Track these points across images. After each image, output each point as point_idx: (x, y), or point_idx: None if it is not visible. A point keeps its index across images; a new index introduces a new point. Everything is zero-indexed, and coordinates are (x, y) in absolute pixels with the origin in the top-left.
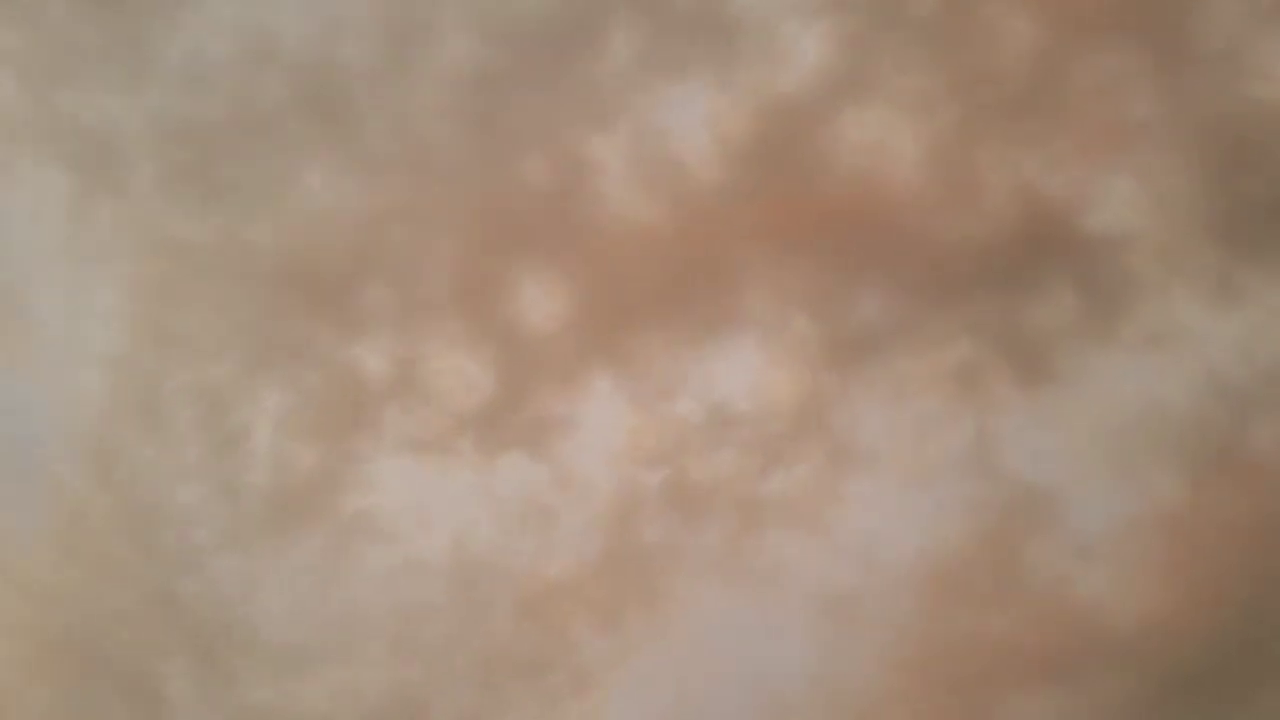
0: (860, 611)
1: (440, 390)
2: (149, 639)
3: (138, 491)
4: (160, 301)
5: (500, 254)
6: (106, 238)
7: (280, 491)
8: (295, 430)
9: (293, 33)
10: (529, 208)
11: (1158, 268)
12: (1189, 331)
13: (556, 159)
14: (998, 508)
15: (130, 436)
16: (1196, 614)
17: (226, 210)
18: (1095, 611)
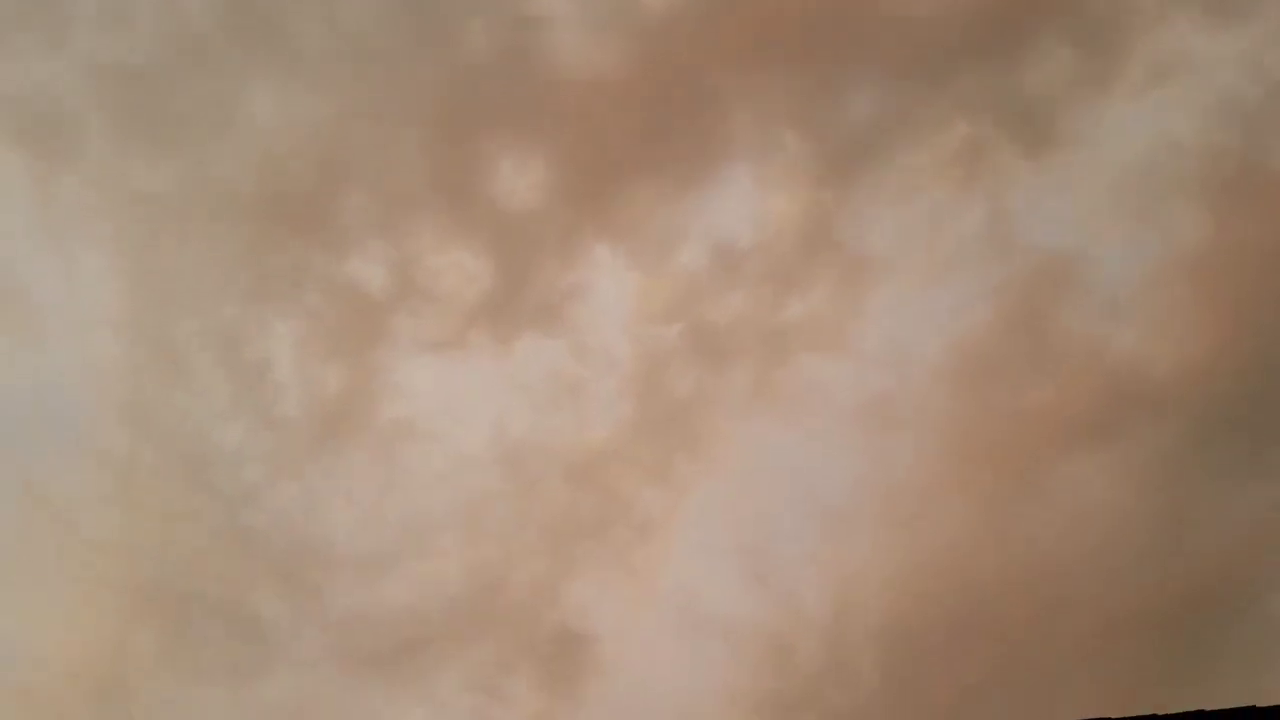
0: (897, 414)
1: (443, 288)
2: (233, 572)
3: (180, 440)
4: (147, 255)
5: (468, 135)
6: (76, 205)
7: (316, 415)
8: (313, 355)
9: None
10: (483, 79)
11: None
12: (1193, 58)
13: (497, 22)
14: (1021, 284)
15: (158, 390)
16: (1232, 349)
17: (183, 152)
18: (1131, 366)
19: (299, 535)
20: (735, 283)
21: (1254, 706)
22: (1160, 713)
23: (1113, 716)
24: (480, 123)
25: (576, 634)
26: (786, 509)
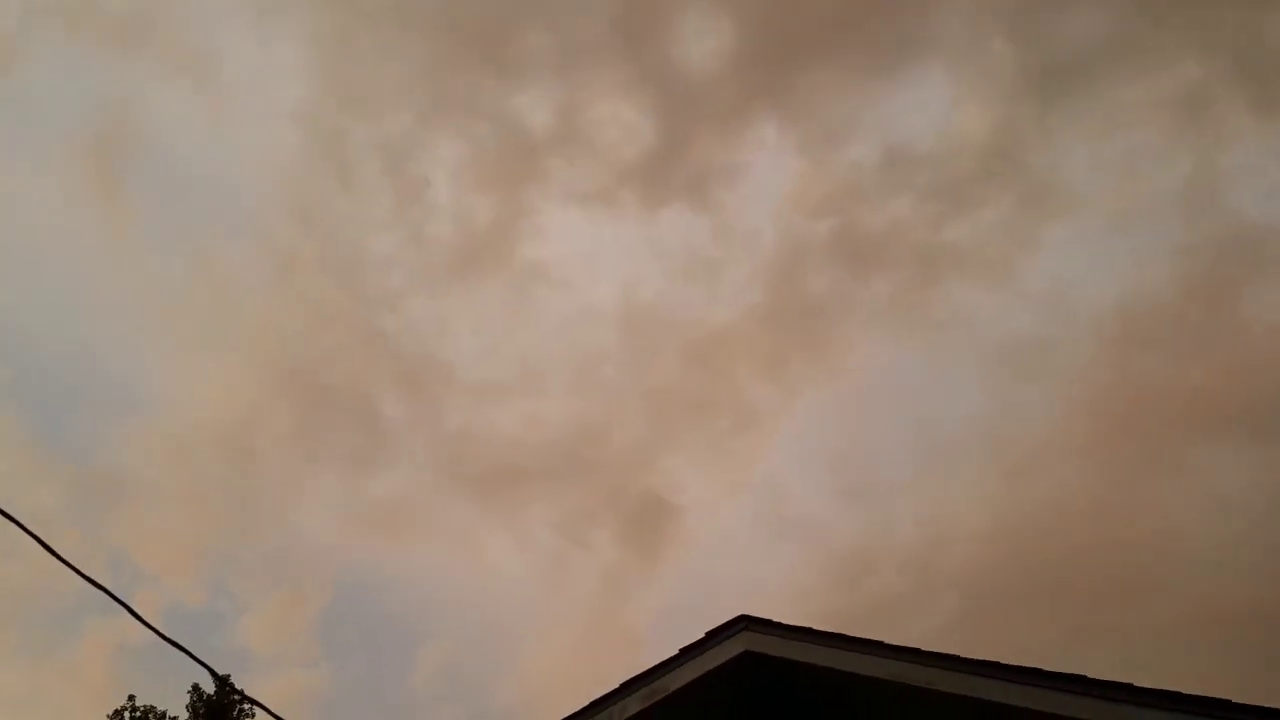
0: (1042, 361)
1: (603, 140)
2: (365, 370)
3: (337, 240)
4: (339, 55)
5: None
6: None
7: (462, 241)
8: (470, 182)
9: None
10: None
11: None
12: None
13: None
14: (1214, 251)
15: (324, 189)
16: None
17: None
18: None
19: (427, 349)
20: (901, 188)
21: None
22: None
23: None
24: None
25: (663, 502)
26: (895, 431)
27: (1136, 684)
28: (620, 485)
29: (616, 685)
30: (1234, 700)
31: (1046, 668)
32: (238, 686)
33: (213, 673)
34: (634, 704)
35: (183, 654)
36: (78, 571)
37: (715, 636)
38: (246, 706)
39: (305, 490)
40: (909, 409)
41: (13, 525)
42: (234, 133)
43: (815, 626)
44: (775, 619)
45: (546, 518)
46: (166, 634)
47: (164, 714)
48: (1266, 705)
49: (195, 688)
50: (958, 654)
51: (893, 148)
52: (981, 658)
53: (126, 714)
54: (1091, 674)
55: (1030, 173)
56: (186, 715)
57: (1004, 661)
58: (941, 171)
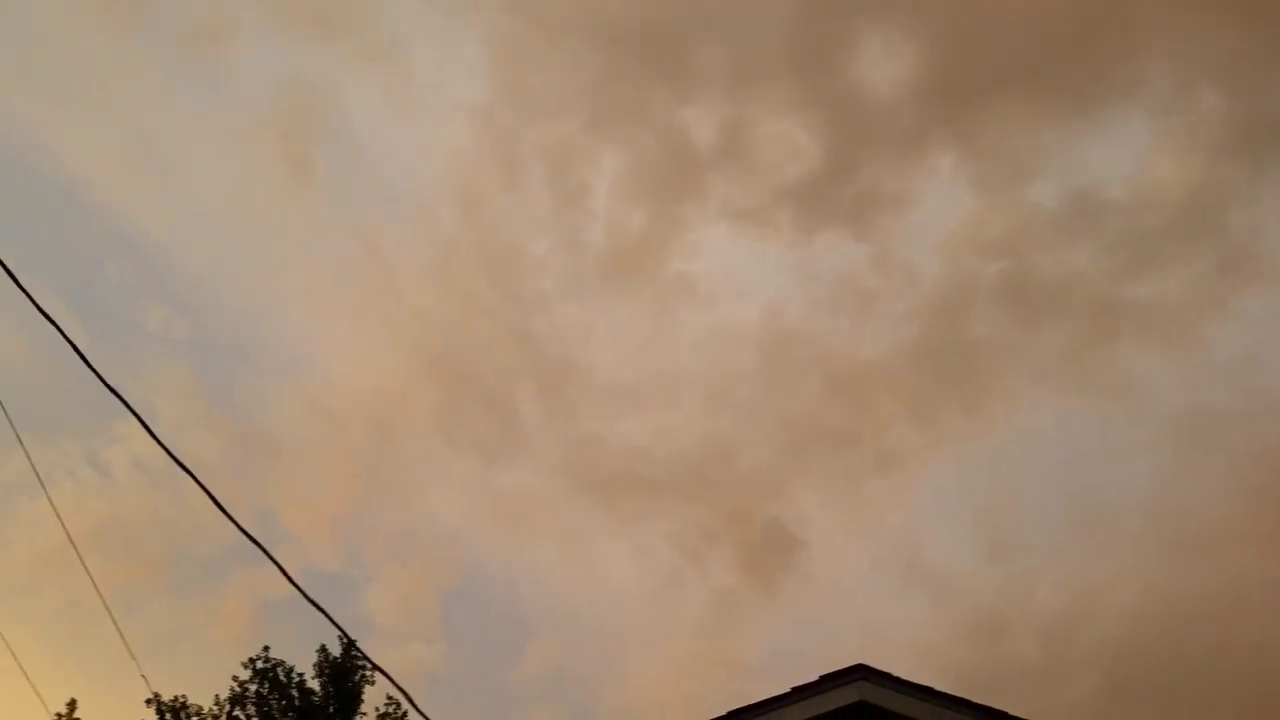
0: (1221, 437)
1: (765, 159)
2: (508, 366)
3: (498, 237)
4: (517, 57)
5: (843, 8)
6: None
7: (614, 249)
8: (629, 192)
9: None
10: None
11: None
12: None
13: None
14: None
15: (490, 185)
16: None
17: None
18: None
19: (569, 352)
20: (1083, 236)
21: None
22: None
23: None
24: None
25: (787, 533)
26: (1049, 493)
27: None
28: (744, 510)
29: (724, 713)
30: None
31: None
32: (365, 653)
33: (344, 634)
34: None
35: (316, 613)
36: (236, 524)
37: (830, 681)
38: (368, 672)
39: (440, 473)
40: (1067, 471)
41: (180, 473)
42: (413, 123)
43: (935, 686)
44: (894, 672)
45: (666, 532)
46: (307, 593)
47: (291, 669)
48: None
49: (323, 648)
50: None
51: (1079, 192)
52: None
53: (258, 663)
54: None
55: (1229, 234)
56: (312, 673)
57: None
58: (1130, 223)
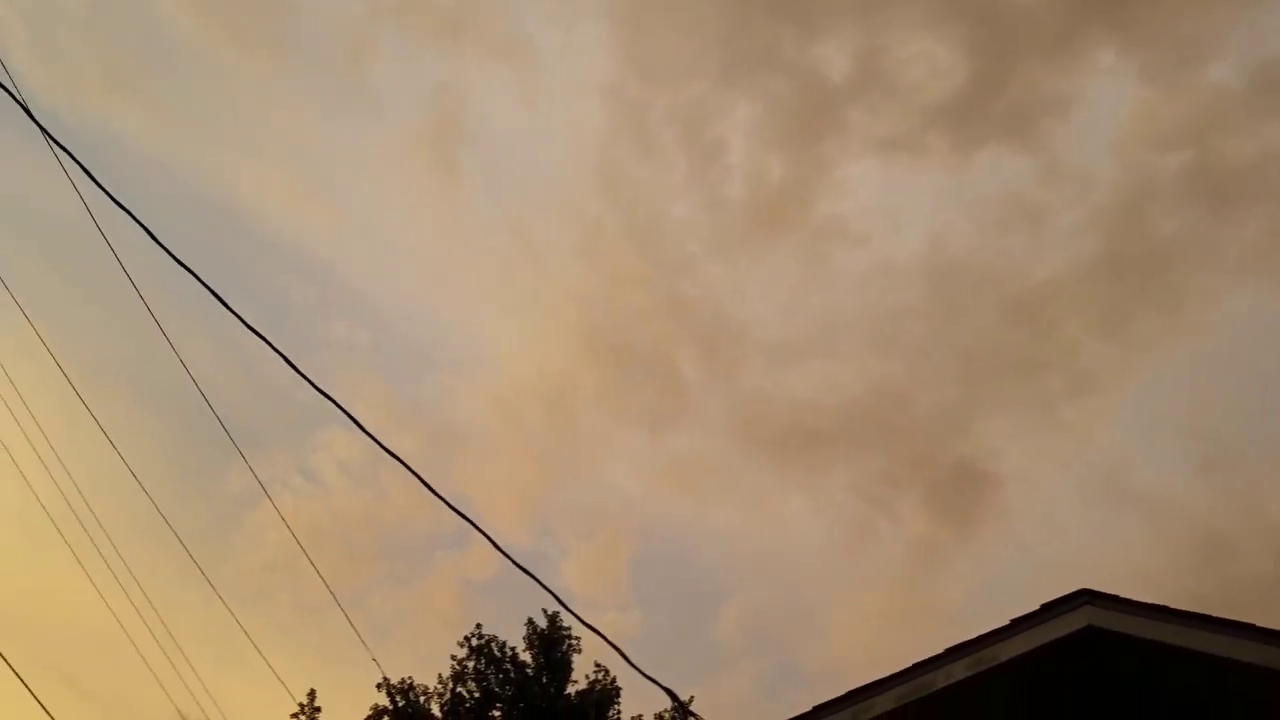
0: None
1: (906, 83)
2: (663, 334)
3: (639, 207)
4: (638, 26)
5: None
6: None
7: (757, 201)
8: (765, 141)
9: None
10: None
11: None
12: None
13: None
14: None
15: (626, 159)
16: None
17: None
18: None
19: (722, 312)
20: (1276, 112)
21: None
22: None
23: None
24: None
25: (978, 470)
26: (1266, 397)
27: None
28: (928, 451)
29: (940, 650)
30: None
31: None
32: (571, 617)
33: (556, 597)
34: (959, 670)
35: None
36: (447, 503)
37: (1053, 609)
38: (574, 640)
39: (614, 446)
40: (1279, 368)
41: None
42: (546, 111)
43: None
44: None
45: (847, 483)
46: (518, 561)
47: (504, 643)
48: None
49: (530, 621)
50: None
51: (1263, 64)
52: None
53: (473, 640)
54: None
55: None
56: (523, 646)
57: None
58: None
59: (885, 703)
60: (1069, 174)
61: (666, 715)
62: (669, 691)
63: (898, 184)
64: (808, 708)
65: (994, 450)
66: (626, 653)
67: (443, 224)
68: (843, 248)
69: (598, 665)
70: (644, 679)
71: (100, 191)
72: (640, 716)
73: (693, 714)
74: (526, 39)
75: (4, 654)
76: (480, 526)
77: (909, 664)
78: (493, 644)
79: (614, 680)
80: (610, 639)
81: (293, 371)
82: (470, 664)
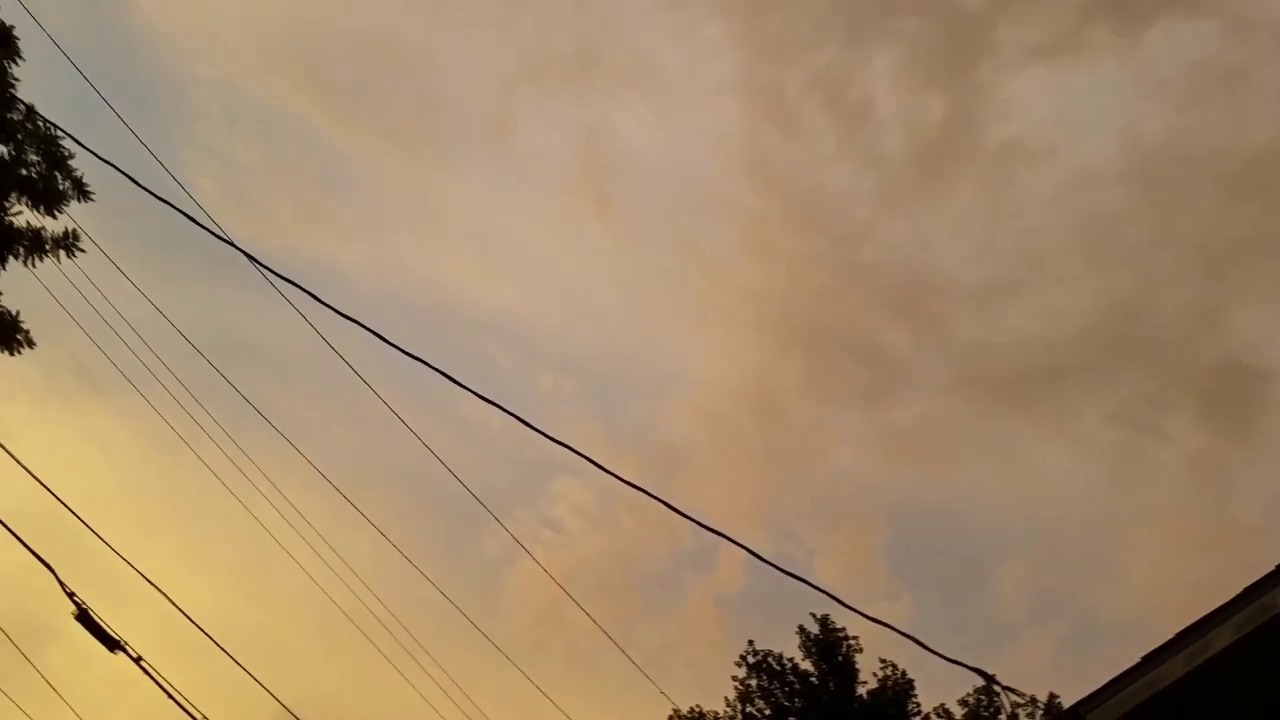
0: None
1: None
2: (854, 307)
3: (795, 189)
4: (753, 12)
5: None
6: None
7: (919, 148)
8: (912, 84)
9: None
10: None
11: None
12: None
13: None
14: None
15: (772, 144)
16: None
17: None
18: None
19: (913, 268)
20: None
21: None
22: None
23: None
24: None
25: (1246, 367)
26: None
27: None
28: (1183, 359)
29: (1273, 567)
30: None
31: None
32: (844, 617)
33: (833, 597)
34: None
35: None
36: (708, 528)
37: None
38: (852, 640)
39: (834, 432)
40: None
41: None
42: (684, 120)
43: None
44: None
45: (1102, 413)
46: (776, 562)
47: (780, 655)
48: None
49: (800, 629)
50: None
51: None
52: None
53: (749, 658)
54: None
55: None
56: (800, 654)
57: None
58: None
59: (1222, 637)
60: (1257, 26)
61: (970, 699)
62: (978, 671)
63: (1069, 88)
64: (1129, 662)
65: (1256, 341)
66: (911, 638)
67: (611, 257)
68: (1026, 169)
69: (883, 660)
70: (946, 663)
71: (322, 310)
72: (943, 705)
73: (1007, 688)
74: (650, 58)
75: None
76: (735, 539)
77: (1238, 591)
78: (769, 658)
79: (904, 673)
80: (897, 628)
81: (521, 431)
82: (753, 681)
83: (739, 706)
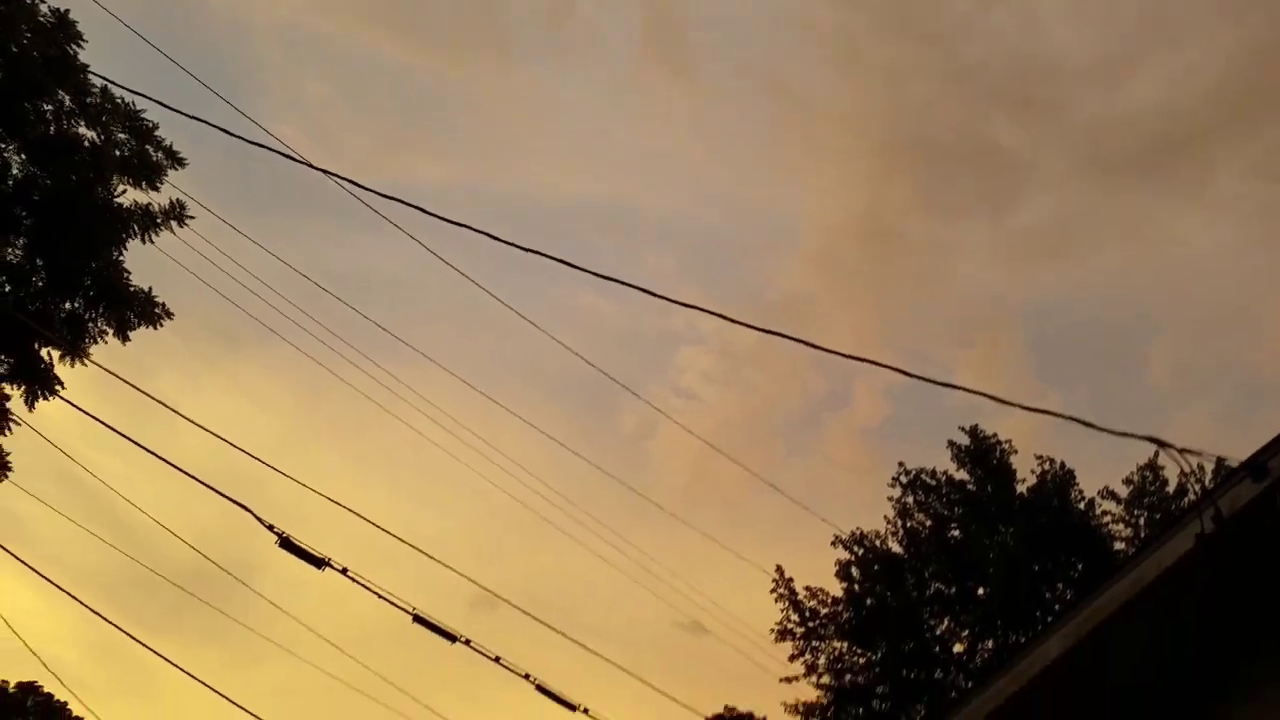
0: None
1: None
2: (964, 111)
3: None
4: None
5: None
6: None
7: None
8: None
9: None
10: None
11: None
12: None
13: None
14: None
15: None
16: None
17: None
18: None
19: (1021, 57)
20: None
21: None
22: None
23: None
24: None
25: None
26: None
27: None
28: None
29: None
30: None
31: None
32: (981, 431)
33: (988, 395)
34: None
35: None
36: (846, 355)
37: None
38: (1004, 444)
39: (956, 245)
40: None
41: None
42: None
43: None
44: None
45: (1240, 171)
46: (920, 375)
47: (932, 470)
48: None
49: (950, 443)
50: None
51: None
52: None
53: (901, 478)
54: None
55: None
56: (953, 467)
57: None
58: None
59: None
60: None
61: (1134, 477)
62: (1149, 438)
63: None
64: None
65: None
66: (1073, 419)
67: (695, 121)
68: None
69: (1039, 457)
70: (1104, 449)
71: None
72: (1107, 487)
73: (1184, 449)
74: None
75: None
76: (879, 361)
77: None
78: (922, 474)
79: (1062, 464)
80: (1057, 412)
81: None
82: (909, 499)
83: (899, 523)
